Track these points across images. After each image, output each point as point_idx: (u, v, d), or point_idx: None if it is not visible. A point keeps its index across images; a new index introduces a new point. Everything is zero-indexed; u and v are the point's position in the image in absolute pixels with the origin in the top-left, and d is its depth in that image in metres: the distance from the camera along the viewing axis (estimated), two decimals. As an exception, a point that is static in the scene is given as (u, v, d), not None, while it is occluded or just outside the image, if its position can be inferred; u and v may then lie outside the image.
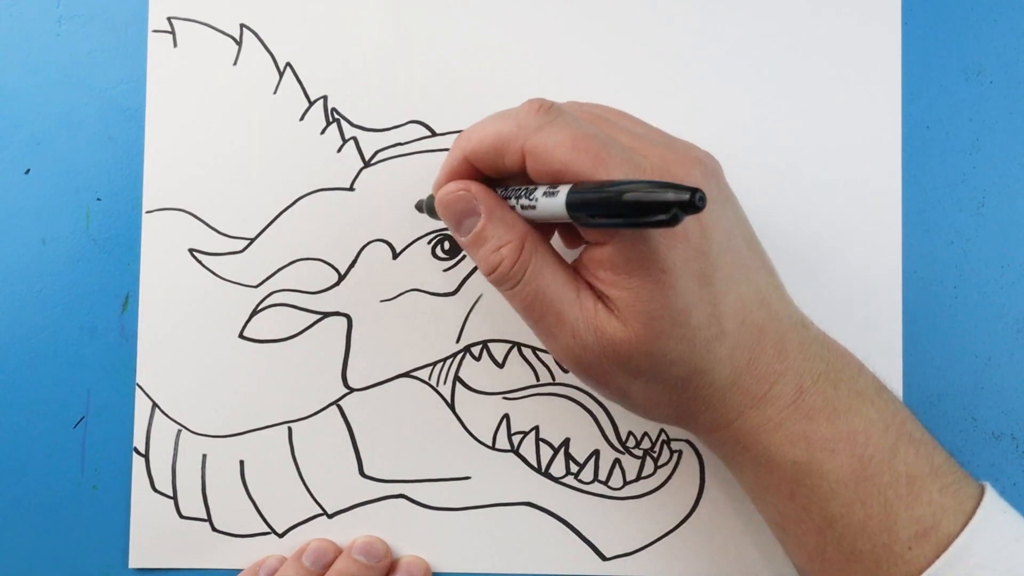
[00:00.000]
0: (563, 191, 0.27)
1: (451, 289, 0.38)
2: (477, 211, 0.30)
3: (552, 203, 0.28)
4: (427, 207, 0.36)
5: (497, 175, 0.31)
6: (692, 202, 0.23)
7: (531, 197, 0.29)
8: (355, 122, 0.39)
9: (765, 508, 0.32)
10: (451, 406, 0.38)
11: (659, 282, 0.28)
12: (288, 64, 0.39)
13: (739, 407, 0.30)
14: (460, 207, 0.31)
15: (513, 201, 0.30)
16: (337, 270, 0.38)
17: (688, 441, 0.38)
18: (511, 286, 0.30)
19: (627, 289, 0.28)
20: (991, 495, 0.30)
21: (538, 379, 0.38)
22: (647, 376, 0.30)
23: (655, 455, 0.38)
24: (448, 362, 0.38)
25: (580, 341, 0.29)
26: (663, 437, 0.38)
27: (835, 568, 0.30)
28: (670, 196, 0.24)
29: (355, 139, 0.39)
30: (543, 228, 0.31)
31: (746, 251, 0.30)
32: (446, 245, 0.38)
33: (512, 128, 0.29)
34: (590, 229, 0.29)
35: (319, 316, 0.38)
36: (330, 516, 0.38)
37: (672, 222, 0.24)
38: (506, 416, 0.38)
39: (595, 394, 0.37)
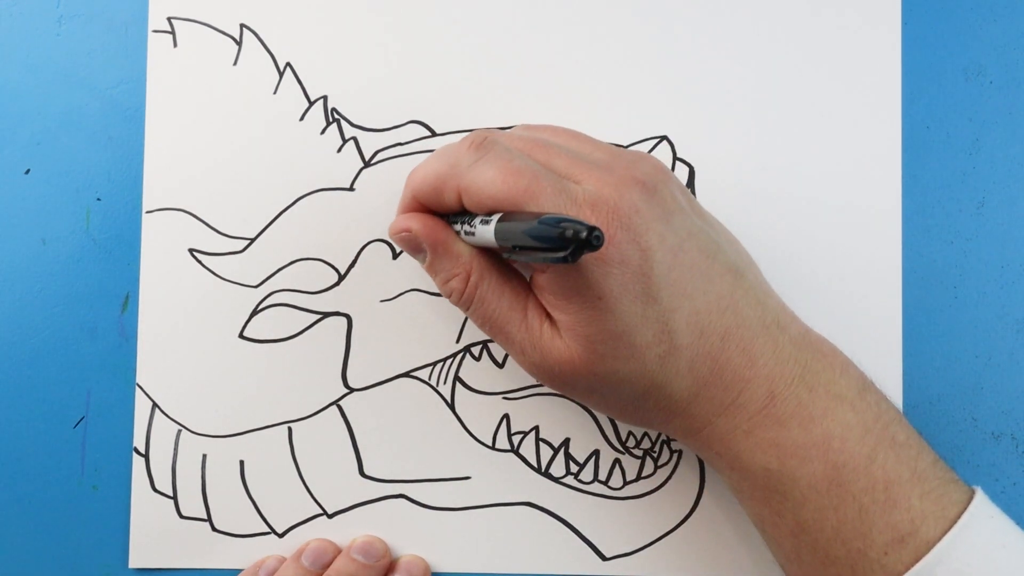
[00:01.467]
0: (494, 220, 0.28)
1: (451, 289, 0.38)
2: (422, 247, 0.32)
3: (486, 231, 0.29)
4: None
5: (443, 212, 0.32)
6: (588, 240, 0.24)
7: (472, 224, 0.30)
8: (355, 122, 0.39)
9: (745, 509, 0.33)
10: (451, 406, 0.38)
11: (595, 308, 0.28)
12: (288, 64, 0.39)
13: (706, 415, 0.30)
14: (407, 246, 0.33)
15: (458, 227, 0.32)
16: (337, 270, 0.38)
17: (688, 441, 0.38)
18: (465, 309, 0.32)
19: (567, 313, 0.29)
20: (980, 500, 0.29)
21: (538, 379, 0.38)
22: (598, 392, 0.30)
23: (655, 455, 0.38)
24: (448, 362, 0.38)
25: (529, 359, 0.31)
26: (663, 437, 0.38)
27: (811, 571, 0.30)
28: (568, 234, 0.24)
29: (355, 139, 0.39)
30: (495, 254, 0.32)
31: (702, 260, 0.30)
32: (446, 245, 0.38)
33: (446, 168, 0.30)
34: None
35: (319, 316, 0.38)
36: (330, 516, 0.38)
37: (571, 258, 0.24)
38: (506, 416, 0.38)
39: None
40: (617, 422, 0.38)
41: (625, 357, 0.29)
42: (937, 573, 0.27)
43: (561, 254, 0.24)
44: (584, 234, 0.24)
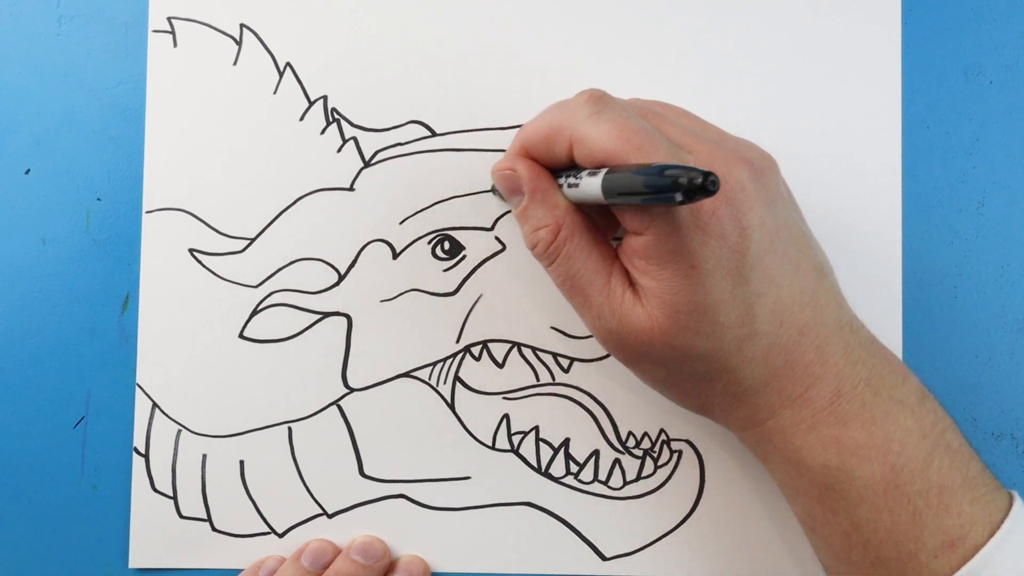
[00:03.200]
0: (602, 172, 0.29)
1: (451, 289, 0.38)
2: (522, 190, 0.32)
3: (592, 183, 0.29)
4: (497, 191, 0.37)
5: (550, 164, 0.32)
6: (703, 185, 0.24)
7: (577, 176, 0.30)
8: (355, 122, 0.39)
9: (795, 507, 0.32)
10: (451, 406, 0.38)
11: (688, 276, 0.28)
12: (288, 64, 0.39)
13: (772, 406, 0.30)
14: (506, 185, 0.33)
15: (562, 180, 0.32)
16: (337, 270, 0.38)
17: (688, 441, 0.38)
18: (547, 264, 0.32)
19: (657, 279, 0.29)
20: (1019, 506, 0.30)
21: (538, 379, 0.38)
22: (669, 367, 0.30)
23: (655, 455, 0.38)
24: (448, 362, 0.38)
25: (604, 324, 0.31)
26: (663, 437, 0.38)
27: (860, 571, 0.30)
28: (683, 181, 0.24)
29: (355, 139, 0.39)
30: (597, 213, 0.32)
31: (794, 252, 0.30)
32: (446, 245, 0.38)
33: (563, 118, 0.30)
34: (628, 218, 0.29)
35: (319, 316, 0.38)
36: (330, 516, 0.38)
37: (686, 200, 0.25)
38: (506, 416, 0.38)
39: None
40: (617, 422, 0.38)
41: (706, 333, 0.29)
42: None
43: (677, 196, 0.25)
44: (700, 180, 0.24)
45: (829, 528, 0.30)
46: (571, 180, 0.31)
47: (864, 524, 0.29)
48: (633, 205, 0.28)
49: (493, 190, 0.38)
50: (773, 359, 0.29)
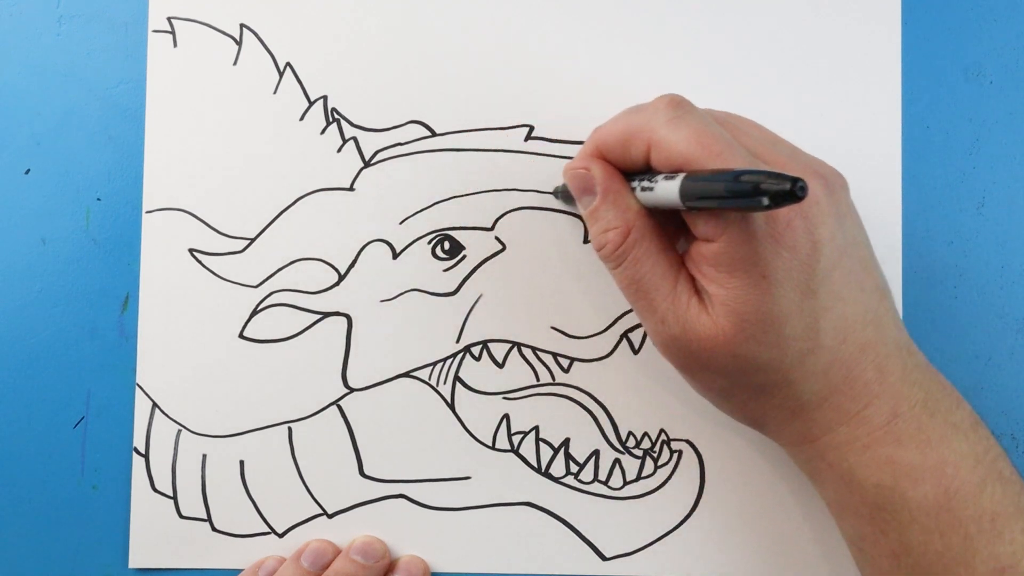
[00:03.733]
0: (680, 176, 0.28)
1: (451, 289, 0.38)
2: (594, 190, 0.32)
3: (668, 187, 0.29)
4: (560, 193, 0.37)
5: (625, 167, 0.32)
6: (792, 191, 0.24)
7: (652, 180, 0.30)
8: (355, 122, 0.39)
9: (843, 525, 0.32)
10: (451, 406, 0.38)
11: (757, 286, 0.28)
12: (288, 64, 0.39)
13: (828, 422, 0.30)
14: (579, 184, 0.33)
15: (635, 183, 0.31)
16: (337, 270, 0.38)
17: (688, 441, 0.38)
18: (613, 266, 0.32)
19: (725, 287, 0.29)
20: None
21: (538, 379, 0.38)
22: (730, 377, 0.30)
23: (655, 455, 0.38)
24: (448, 362, 0.38)
25: (667, 330, 0.30)
26: (663, 437, 0.38)
27: None
28: (771, 186, 0.24)
29: (355, 139, 0.39)
30: (663, 219, 0.32)
31: (860, 270, 0.30)
32: (446, 245, 0.38)
33: (641, 120, 0.30)
34: (700, 225, 0.29)
35: (319, 316, 0.38)
36: (330, 516, 0.38)
37: (773, 205, 0.24)
38: (506, 416, 0.38)
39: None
40: (617, 422, 0.38)
41: (769, 344, 0.29)
42: None
43: (764, 200, 0.24)
44: (788, 185, 0.24)
45: (878, 548, 0.30)
46: (645, 183, 0.31)
47: (915, 546, 0.29)
48: (706, 211, 0.28)
49: (555, 193, 0.38)
50: (833, 375, 0.29)
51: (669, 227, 0.32)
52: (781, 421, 0.31)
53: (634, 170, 0.32)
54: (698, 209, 0.29)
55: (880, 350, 0.30)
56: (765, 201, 0.24)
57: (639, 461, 0.38)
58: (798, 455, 0.32)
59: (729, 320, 0.29)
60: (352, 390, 0.38)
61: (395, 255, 0.38)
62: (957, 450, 0.29)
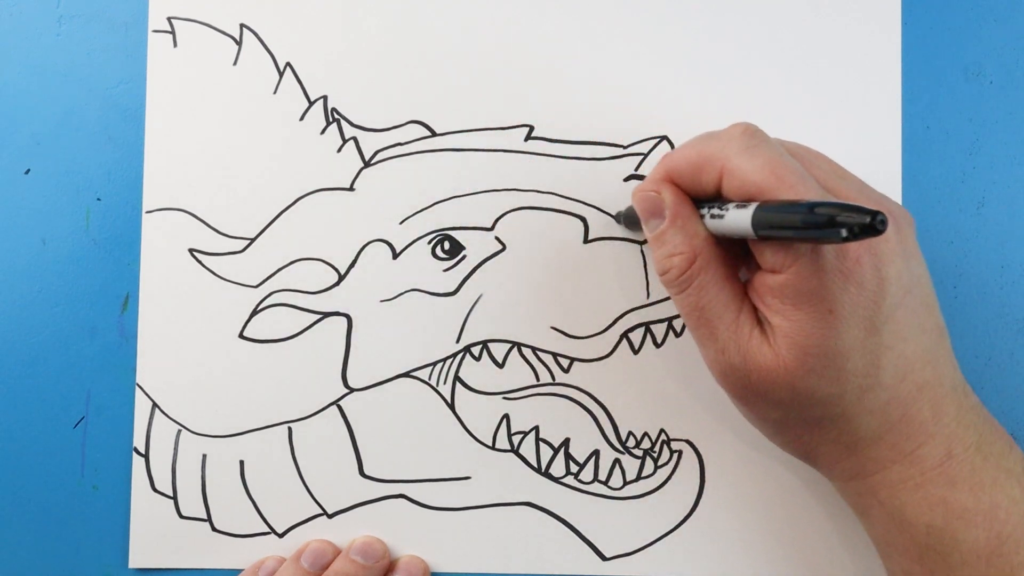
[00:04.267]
0: (753, 205, 0.28)
1: (451, 289, 0.38)
2: (663, 214, 0.32)
3: (740, 215, 0.29)
4: (624, 218, 0.37)
5: (694, 194, 0.32)
6: (872, 225, 0.24)
7: (723, 208, 0.30)
8: (355, 122, 0.39)
9: (889, 564, 0.32)
10: (451, 406, 0.38)
11: (823, 320, 0.28)
12: (288, 64, 0.39)
13: (882, 460, 0.30)
14: (648, 206, 0.32)
15: (704, 210, 0.31)
16: (337, 270, 0.38)
17: (688, 441, 0.38)
18: (676, 292, 0.31)
19: (789, 320, 0.29)
20: None
21: (538, 379, 0.38)
22: (787, 409, 0.30)
23: (655, 455, 0.38)
24: (448, 362, 0.38)
25: (727, 360, 0.30)
26: (663, 437, 0.38)
27: None
28: (850, 216, 0.24)
29: (355, 139, 0.39)
30: (728, 248, 0.32)
31: (922, 310, 0.30)
32: (446, 245, 0.38)
33: (715, 148, 0.30)
34: (768, 255, 0.29)
35: (319, 316, 0.38)
36: (330, 516, 0.38)
37: (852, 237, 0.24)
38: (506, 416, 0.38)
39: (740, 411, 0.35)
40: (617, 422, 0.38)
41: (830, 378, 0.29)
42: None
43: (843, 232, 0.24)
44: (868, 219, 0.24)
45: None
46: (715, 211, 0.30)
47: None
48: (775, 242, 0.28)
49: (617, 217, 0.38)
50: (891, 413, 0.30)
51: (732, 256, 0.32)
52: (835, 456, 0.31)
53: (703, 197, 0.32)
54: (768, 239, 0.28)
55: (937, 391, 0.30)
56: (843, 233, 0.24)
57: (639, 461, 0.38)
58: (848, 490, 0.32)
59: (791, 353, 0.29)
60: (352, 390, 0.38)
61: (395, 255, 0.38)
62: (1009, 495, 0.29)
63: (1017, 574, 0.29)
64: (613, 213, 0.38)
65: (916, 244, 0.31)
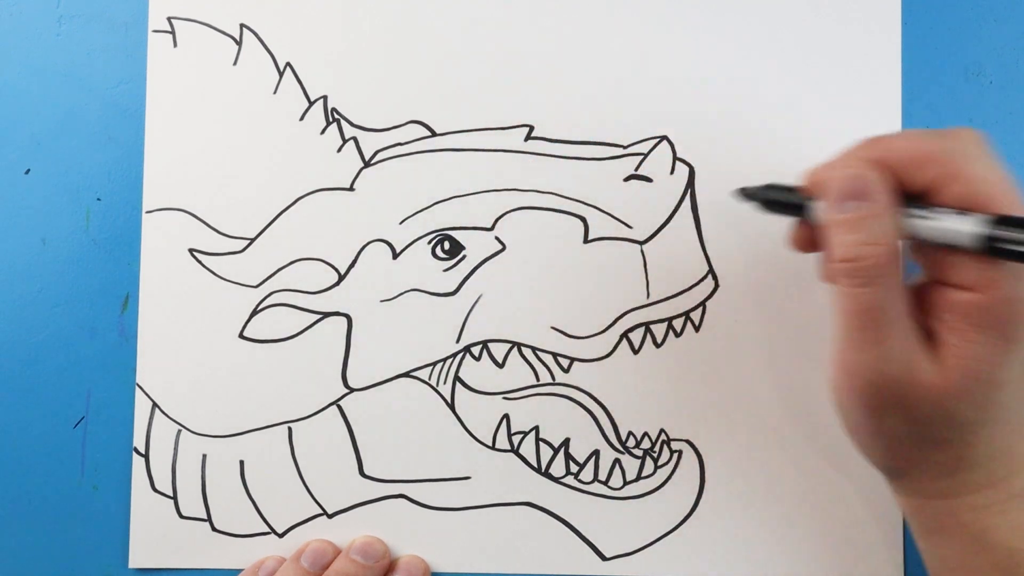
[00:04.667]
0: (978, 216, 0.27)
1: (451, 289, 0.38)
2: (868, 197, 0.29)
3: (960, 223, 0.27)
4: (759, 196, 0.33)
5: (897, 185, 0.30)
6: None
7: (934, 211, 0.28)
8: (355, 122, 0.39)
9: None
10: (451, 406, 0.38)
11: (1002, 351, 0.28)
12: (288, 64, 0.39)
13: (976, 484, 0.30)
14: (853, 185, 0.29)
15: (904, 208, 0.29)
16: (337, 270, 0.38)
17: (688, 441, 0.38)
18: (856, 284, 0.28)
19: (968, 341, 0.28)
20: None
21: (538, 379, 0.38)
22: (920, 427, 0.29)
23: (655, 455, 0.38)
24: (448, 362, 0.38)
25: (886, 369, 0.28)
26: (663, 437, 0.38)
27: None
28: None
29: (355, 139, 0.39)
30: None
31: None
32: (446, 245, 0.38)
33: (947, 147, 0.28)
34: (965, 272, 0.28)
35: (319, 316, 0.38)
36: (330, 516, 0.38)
37: None
38: (506, 416, 0.38)
39: (843, 425, 0.33)
40: (617, 422, 0.38)
41: (982, 407, 0.28)
42: None
43: None
44: None
45: None
46: (921, 212, 0.28)
47: None
48: (976, 259, 0.27)
49: (745, 193, 0.34)
50: (1004, 445, 0.29)
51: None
52: (932, 476, 0.30)
53: (900, 193, 0.29)
54: (986, 254, 0.27)
55: None
56: None
57: (639, 461, 0.38)
58: (925, 509, 0.32)
59: (959, 374, 0.28)
60: (352, 390, 0.38)
61: (395, 255, 0.38)
62: None
63: None
64: (735, 189, 0.34)
65: None
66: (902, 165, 0.29)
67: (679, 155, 0.38)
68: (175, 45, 0.39)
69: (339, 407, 0.38)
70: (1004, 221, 0.26)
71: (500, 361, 0.38)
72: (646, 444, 0.38)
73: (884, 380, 0.28)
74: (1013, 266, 0.27)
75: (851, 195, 0.29)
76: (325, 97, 0.39)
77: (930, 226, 0.28)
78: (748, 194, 0.34)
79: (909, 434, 0.30)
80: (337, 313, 0.38)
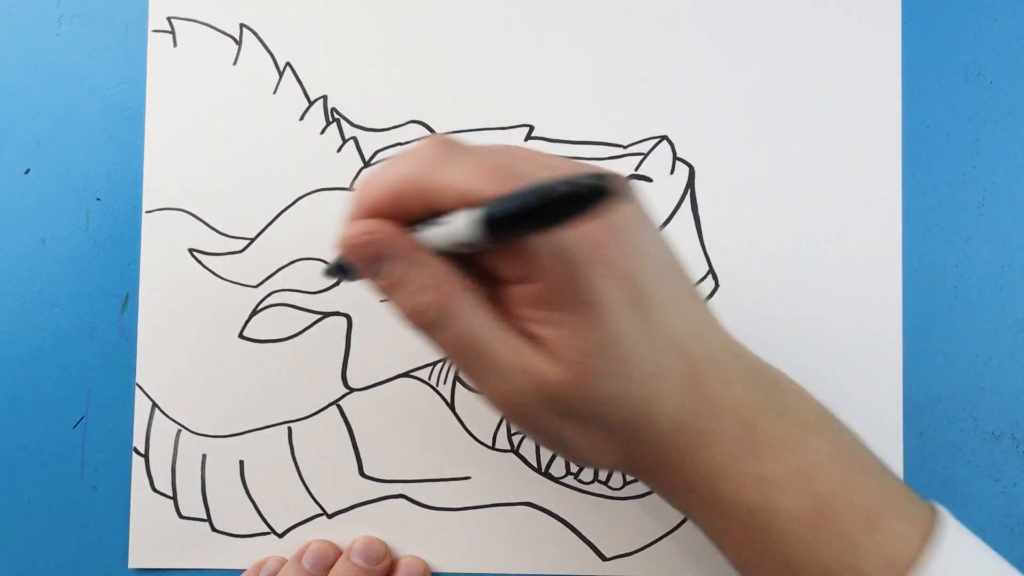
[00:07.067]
0: (475, 211, 0.25)
1: (451, 289, 0.38)
2: (390, 254, 0.27)
3: (464, 227, 0.25)
4: (334, 270, 0.31)
5: (403, 221, 0.28)
6: (603, 187, 0.21)
7: (440, 223, 0.26)
8: (355, 122, 0.39)
9: (726, 553, 0.30)
10: (451, 406, 0.38)
11: (590, 316, 0.26)
12: (288, 64, 0.39)
13: (687, 448, 0.28)
14: (368, 252, 0.27)
15: (423, 230, 0.27)
16: (337, 270, 0.38)
17: (688, 441, 0.38)
18: (433, 332, 0.27)
19: (558, 326, 0.26)
20: (945, 516, 0.29)
21: (538, 379, 0.38)
22: (585, 420, 0.28)
23: (655, 455, 0.38)
24: (448, 362, 0.38)
25: (510, 384, 0.27)
26: (663, 437, 0.38)
27: None
28: (583, 182, 0.21)
29: (355, 139, 0.39)
30: (459, 267, 0.28)
31: (677, 279, 0.28)
32: (446, 245, 0.38)
33: (412, 168, 0.27)
34: (510, 266, 0.26)
35: (319, 316, 0.38)
36: (330, 516, 0.38)
37: (592, 202, 0.22)
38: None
39: (536, 442, 0.33)
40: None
41: (617, 374, 0.27)
42: None
43: (582, 208, 0.21)
44: (597, 181, 0.21)
45: (763, 571, 0.29)
46: (433, 231, 0.26)
47: (797, 562, 0.28)
48: (513, 251, 0.26)
49: (328, 271, 0.31)
50: (684, 396, 0.28)
51: (476, 277, 0.28)
52: (642, 457, 0.29)
53: (410, 222, 0.27)
54: (504, 244, 0.25)
55: (714, 359, 0.28)
56: (583, 202, 0.21)
57: (639, 461, 0.38)
58: (666, 491, 0.30)
59: (572, 359, 0.26)
60: (352, 390, 0.38)
61: (395, 255, 0.38)
62: (816, 449, 0.28)
63: (845, 529, 0.27)
64: (323, 270, 0.32)
65: (648, 214, 0.29)
66: (388, 203, 0.27)
67: (679, 155, 0.38)
68: (175, 45, 0.39)
69: (339, 407, 0.38)
70: (488, 208, 0.24)
71: (500, 361, 0.38)
72: (646, 444, 0.38)
73: (521, 397, 0.27)
74: (544, 242, 0.25)
75: (374, 259, 0.27)
76: (325, 97, 0.39)
77: (447, 238, 0.26)
78: (329, 272, 0.32)
79: (591, 432, 0.28)
80: (337, 313, 0.38)
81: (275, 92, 0.39)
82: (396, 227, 0.27)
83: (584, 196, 0.21)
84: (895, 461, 0.37)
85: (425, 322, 0.27)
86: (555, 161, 0.29)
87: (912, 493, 0.29)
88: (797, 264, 0.38)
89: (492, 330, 0.27)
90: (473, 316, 0.27)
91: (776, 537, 0.28)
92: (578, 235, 0.25)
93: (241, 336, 0.38)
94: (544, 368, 0.26)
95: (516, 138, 0.38)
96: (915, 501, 0.29)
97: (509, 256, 0.26)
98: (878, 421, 0.37)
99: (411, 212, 0.27)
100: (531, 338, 0.27)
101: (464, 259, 0.27)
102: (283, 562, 0.37)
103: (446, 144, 0.27)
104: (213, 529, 0.38)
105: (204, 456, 0.38)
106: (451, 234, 0.26)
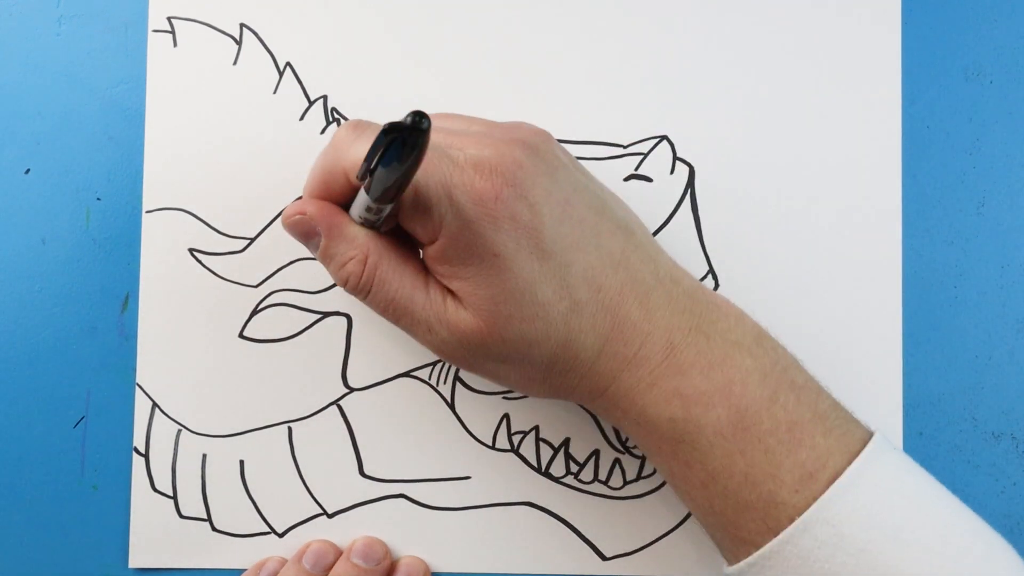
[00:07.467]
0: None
1: (451, 289, 0.38)
2: (317, 231, 0.31)
3: (364, 195, 0.29)
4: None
5: (338, 203, 0.32)
6: (414, 125, 0.24)
7: (357, 199, 0.30)
8: (355, 122, 0.39)
9: (657, 466, 0.32)
10: (451, 406, 0.38)
11: (492, 266, 0.29)
12: (288, 64, 0.39)
13: (611, 372, 0.30)
14: (300, 230, 0.32)
15: (352, 211, 0.31)
16: (337, 270, 0.38)
17: (688, 441, 0.38)
18: (364, 296, 0.31)
19: (465, 279, 0.29)
20: (880, 437, 0.30)
21: (538, 379, 0.38)
22: (511, 360, 0.30)
23: (655, 455, 0.38)
24: (448, 363, 0.38)
25: (437, 336, 0.30)
26: (663, 437, 0.38)
27: (726, 519, 0.30)
28: (393, 123, 0.25)
29: (355, 139, 0.39)
30: (399, 237, 0.32)
31: (591, 215, 0.30)
32: (446, 245, 0.38)
33: (331, 152, 0.30)
34: (419, 228, 0.29)
35: (319, 316, 0.38)
36: (330, 516, 0.38)
37: (409, 151, 0.25)
38: (506, 416, 0.38)
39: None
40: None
41: (530, 317, 0.29)
42: (846, 501, 0.28)
43: (409, 155, 0.25)
44: (408, 120, 0.24)
45: (688, 482, 0.31)
46: (356, 204, 0.30)
47: (719, 472, 0.29)
48: (420, 214, 0.28)
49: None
50: (600, 325, 0.30)
51: (406, 245, 0.32)
52: (570, 385, 0.31)
53: (347, 202, 0.32)
54: (385, 201, 0.28)
55: (639, 288, 0.30)
56: (408, 141, 0.24)
57: (639, 461, 0.38)
58: (598, 410, 0.33)
59: (484, 308, 0.29)
60: (352, 390, 0.38)
61: (395, 255, 0.38)
62: (742, 367, 0.29)
63: (766, 442, 0.29)
64: None
65: (560, 156, 0.31)
66: (320, 188, 0.31)
67: (679, 155, 0.38)
68: (175, 45, 0.39)
69: (339, 407, 0.38)
70: (358, 175, 0.27)
71: (500, 361, 0.38)
72: (646, 444, 0.38)
73: (445, 345, 0.31)
74: (441, 203, 0.28)
75: (306, 236, 0.32)
76: (325, 97, 0.39)
77: (365, 212, 0.30)
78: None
79: (518, 368, 0.31)
80: (337, 313, 0.38)
81: (275, 92, 0.39)
82: (325, 206, 0.31)
83: (406, 133, 0.24)
84: (895, 461, 0.37)
85: (354, 288, 0.31)
86: (470, 127, 0.32)
87: (849, 416, 0.31)
88: (797, 264, 0.38)
89: (415, 290, 0.30)
90: (398, 280, 0.30)
91: (698, 449, 0.29)
92: (469, 193, 0.28)
93: (241, 336, 0.38)
94: (462, 318, 0.30)
95: (516, 138, 0.38)
96: (850, 421, 0.30)
97: (419, 219, 0.29)
98: (878, 421, 0.37)
99: (341, 192, 0.31)
100: (450, 294, 0.30)
101: (397, 230, 0.31)
102: (283, 562, 0.37)
103: (357, 126, 0.30)
104: (213, 529, 0.38)
105: (204, 456, 0.38)
106: (363, 203, 0.29)
